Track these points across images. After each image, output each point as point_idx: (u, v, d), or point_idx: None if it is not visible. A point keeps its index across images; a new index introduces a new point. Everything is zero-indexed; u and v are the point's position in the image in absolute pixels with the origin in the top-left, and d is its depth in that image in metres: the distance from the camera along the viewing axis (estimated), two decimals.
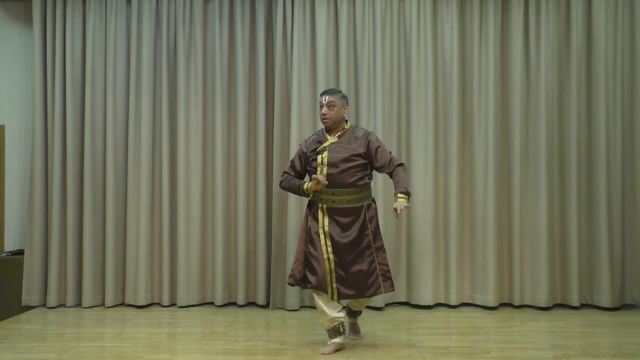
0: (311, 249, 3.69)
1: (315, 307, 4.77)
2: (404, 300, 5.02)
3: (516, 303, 4.93)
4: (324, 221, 3.69)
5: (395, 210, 3.51)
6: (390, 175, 3.71)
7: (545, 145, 4.91)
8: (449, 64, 5.02)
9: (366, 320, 4.50)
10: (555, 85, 4.99)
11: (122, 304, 5.06)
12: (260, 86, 5.04)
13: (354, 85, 5.05)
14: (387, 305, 4.98)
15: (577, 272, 4.88)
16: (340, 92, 3.78)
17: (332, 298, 3.62)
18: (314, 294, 3.70)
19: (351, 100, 5.03)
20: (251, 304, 5.09)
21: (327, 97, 3.70)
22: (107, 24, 5.08)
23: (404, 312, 4.83)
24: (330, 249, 3.65)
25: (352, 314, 3.98)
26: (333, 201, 3.66)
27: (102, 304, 5.03)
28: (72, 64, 5.04)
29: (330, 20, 5.05)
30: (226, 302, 5.05)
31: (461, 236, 5.01)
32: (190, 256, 5.02)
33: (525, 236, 4.96)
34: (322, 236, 3.67)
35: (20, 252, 5.19)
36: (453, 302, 4.94)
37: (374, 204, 3.79)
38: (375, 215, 3.76)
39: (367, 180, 3.73)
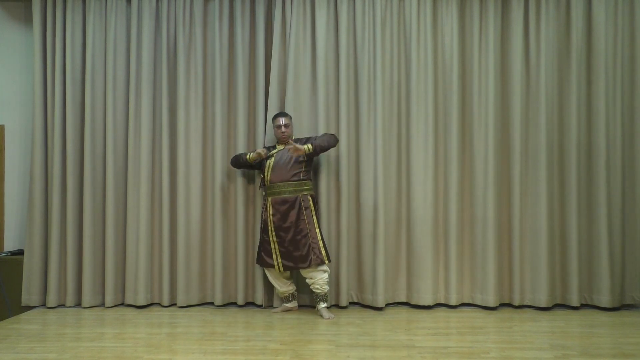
0: (262, 234, 4.76)
1: (314, 307, 4.82)
2: (403, 300, 5.02)
3: (516, 303, 4.94)
4: (269, 213, 4.69)
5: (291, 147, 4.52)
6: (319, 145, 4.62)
7: (545, 145, 4.91)
8: (449, 64, 5.02)
9: (366, 320, 4.50)
10: (555, 86, 4.99)
11: (122, 304, 5.07)
12: (260, 86, 5.04)
13: (353, 85, 5.05)
14: (387, 305, 4.98)
15: (577, 272, 4.88)
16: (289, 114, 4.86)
17: (279, 270, 4.68)
18: (266, 272, 4.84)
19: (351, 100, 5.04)
20: (250, 304, 5.10)
21: (283, 120, 4.75)
22: (107, 24, 5.08)
23: (403, 312, 4.83)
24: (274, 233, 4.66)
25: (316, 300, 4.69)
26: (274, 192, 4.69)
27: (102, 304, 5.03)
28: (72, 64, 5.05)
29: (330, 20, 5.05)
30: (226, 302, 5.06)
31: (461, 236, 5.01)
32: (190, 256, 5.02)
33: (525, 236, 4.96)
34: (269, 223, 4.69)
35: (20, 252, 5.19)
36: (453, 303, 4.94)
37: (310, 197, 4.70)
38: (310, 206, 4.67)
39: (302, 177, 4.69)
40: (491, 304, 4.86)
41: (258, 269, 4.97)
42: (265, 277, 4.98)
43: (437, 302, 4.99)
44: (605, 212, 4.86)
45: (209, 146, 5.12)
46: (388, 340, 3.95)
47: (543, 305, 4.85)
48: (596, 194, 4.92)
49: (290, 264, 4.63)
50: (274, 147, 4.85)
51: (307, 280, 4.68)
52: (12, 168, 5.31)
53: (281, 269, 4.67)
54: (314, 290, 4.66)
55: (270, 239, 4.68)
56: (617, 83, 4.94)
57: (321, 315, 4.61)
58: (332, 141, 4.67)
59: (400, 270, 5.01)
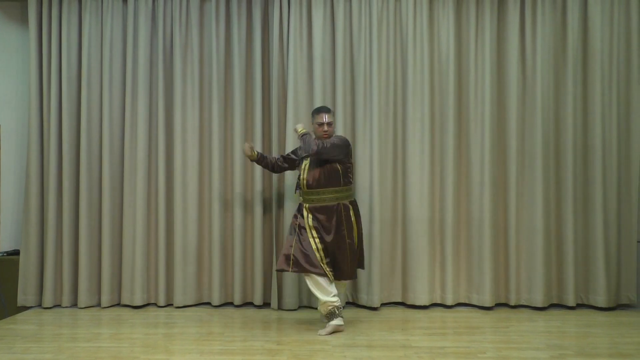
0: (302, 239, 4.16)
1: (312, 307, 4.80)
2: (399, 300, 5.03)
3: (512, 303, 4.95)
4: (307, 218, 4.18)
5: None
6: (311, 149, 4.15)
7: (541, 145, 4.92)
8: (445, 64, 5.03)
9: (362, 321, 4.51)
10: (551, 86, 5.00)
11: (118, 305, 5.05)
12: (257, 86, 5.04)
13: (350, 85, 5.05)
14: (382, 305, 4.98)
15: (573, 272, 4.90)
16: (331, 110, 4.38)
17: (331, 280, 4.12)
18: (308, 280, 4.15)
19: (347, 100, 5.04)
20: (248, 304, 5.09)
21: (327, 117, 4.25)
22: (103, 24, 5.07)
23: (399, 312, 4.84)
24: (317, 240, 4.13)
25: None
26: (312, 200, 4.20)
27: (98, 305, 5.02)
28: (68, 64, 5.03)
29: (326, 20, 5.05)
30: (223, 302, 5.05)
31: (457, 236, 5.01)
32: (186, 256, 5.01)
33: (521, 236, 4.97)
34: (308, 229, 4.15)
35: (16, 253, 5.18)
36: (449, 302, 4.95)
37: (351, 205, 4.25)
38: (350, 215, 4.21)
39: (343, 184, 4.21)
40: (487, 303, 4.87)
41: (257, 269, 4.95)
42: (264, 276, 4.97)
43: (433, 302, 4.99)
44: (601, 212, 4.88)
45: (206, 146, 5.12)
46: (384, 340, 3.96)
47: (539, 305, 4.86)
48: (592, 193, 4.93)
49: (340, 274, 4.20)
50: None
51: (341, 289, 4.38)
52: (7, 168, 5.29)
53: (332, 279, 4.13)
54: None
55: (314, 247, 4.12)
56: (612, 83, 4.95)
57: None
58: (309, 145, 4.14)
59: (396, 270, 5.01)
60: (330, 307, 4.08)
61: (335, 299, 4.10)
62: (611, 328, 4.35)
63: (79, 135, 5.05)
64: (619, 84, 4.97)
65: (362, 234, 4.35)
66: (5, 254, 5.17)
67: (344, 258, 4.16)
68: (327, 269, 4.09)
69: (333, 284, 4.15)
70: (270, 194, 5.01)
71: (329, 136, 4.24)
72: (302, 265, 4.08)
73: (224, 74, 5.12)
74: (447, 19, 5.03)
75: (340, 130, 4.96)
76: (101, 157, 5.04)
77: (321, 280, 4.08)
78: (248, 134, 5.10)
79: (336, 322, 4.10)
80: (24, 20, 5.27)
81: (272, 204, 4.99)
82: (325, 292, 4.08)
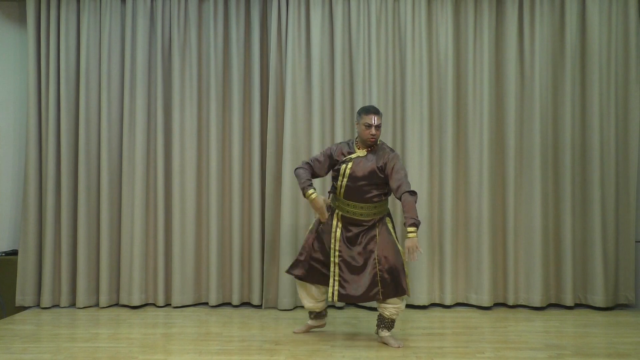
0: (316, 246, 3.92)
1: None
2: None
3: (510, 303, 4.95)
4: (337, 227, 3.87)
5: (409, 251, 3.58)
6: (400, 199, 3.70)
7: (539, 145, 4.93)
8: (443, 64, 5.03)
9: (361, 320, 4.51)
10: (550, 86, 5.01)
11: (117, 305, 5.05)
12: (255, 86, 5.04)
13: (348, 85, 5.05)
14: None
15: (571, 272, 4.90)
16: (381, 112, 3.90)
17: (332, 299, 3.81)
18: (297, 282, 4.05)
19: (346, 100, 5.04)
20: (246, 304, 5.09)
21: (376, 119, 3.79)
22: (101, 24, 5.06)
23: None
24: (337, 253, 3.82)
25: (381, 325, 3.88)
26: (347, 212, 3.84)
27: (97, 305, 5.02)
28: (66, 64, 5.03)
29: (325, 20, 5.05)
30: (220, 302, 5.05)
31: (456, 236, 5.02)
32: (184, 256, 5.01)
33: (519, 236, 4.98)
34: (332, 240, 3.86)
35: (14, 253, 5.17)
36: (448, 302, 4.95)
37: (388, 218, 3.95)
38: (388, 227, 3.88)
39: (383, 198, 3.87)
40: (486, 303, 4.87)
41: (254, 270, 4.96)
42: (261, 277, 4.98)
43: (432, 302, 4.99)
44: (599, 212, 4.88)
45: (204, 146, 5.11)
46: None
47: (537, 305, 4.86)
48: (590, 193, 4.93)
49: (351, 295, 3.79)
50: (351, 150, 3.92)
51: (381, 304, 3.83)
52: (5, 168, 5.28)
53: (335, 298, 3.81)
54: (382, 313, 3.83)
55: (331, 259, 3.86)
56: (610, 83, 4.96)
57: (387, 344, 3.82)
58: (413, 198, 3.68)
59: None
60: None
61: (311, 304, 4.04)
62: (609, 328, 4.36)
63: (77, 135, 5.04)
64: (617, 83, 4.98)
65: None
66: (3, 254, 5.16)
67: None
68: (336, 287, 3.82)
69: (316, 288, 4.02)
70: (269, 194, 5.00)
71: (376, 140, 3.84)
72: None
73: (222, 73, 5.11)
74: (446, 19, 5.03)
75: (339, 131, 4.97)
76: (99, 157, 5.03)
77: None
78: (246, 134, 5.09)
79: (311, 322, 4.17)
80: (22, 20, 5.26)
81: (271, 204, 4.99)
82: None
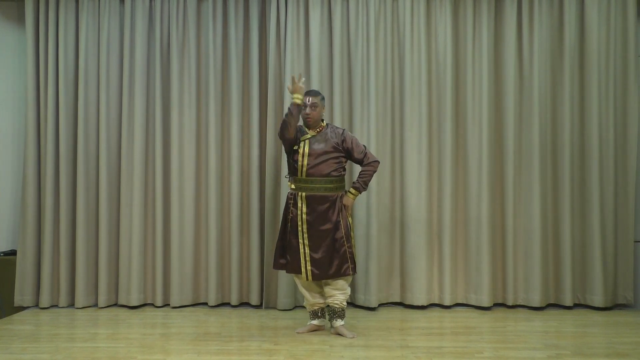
0: (290, 235, 4.07)
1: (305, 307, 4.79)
2: (397, 300, 5.03)
3: (510, 303, 4.95)
4: (303, 209, 4.02)
5: (345, 208, 4.07)
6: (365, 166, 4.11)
7: (538, 145, 4.93)
8: (442, 64, 5.03)
9: (360, 320, 4.50)
10: (548, 86, 5.01)
11: (115, 305, 5.04)
12: (254, 87, 5.04)
13: (347, 86, 5.05)
14: (380, 305, 4.98)
15: (570, 272, 4.90)
16: (320, 94, 4.15)
17: (307, 279, 4.01)
18: (295, 279, 4.19)
19: (345, 100, 5.04)
20: (244, 304, 5.08)
21: (310, 99, 4.05)
22: (100, 24, 5.06)
23: (397, 313, 4.84)
24: (306, 235, 4.01)
25: (333, 317, 4.08)
26: (312, 189, 4.03)
27: (95, 305, 5.01)
28: (65, 64, 5.02)
29: (324, 20, 5.05)
30: (219, 302, 5.04)
31: (455, 236, 5.02)
32: (183, 256, 5.01)
33: (518, 236, 4.98)
34: (299, 222, 4.03)
35: (13, 253, 5.16)
36: (447, 303, 4.95)
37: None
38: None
39: (342, 172, 4.13)
40: (485, 304, 4.88)
41: (253, 269, 4.95)
42: (260, 277, 4.98)
43: (431, 302, 4.99)
44: (598, 212, 4.89)
45: (203, 146, 5.11)
46: (382, 340, 3.96)
47: (536, 305, 4.86)
48: (589, 193, 4.94)
49: (322, 273, 3.98)
50: (304, 132, 4.13)
51: (327, 291, 4.05)
52: (4, 168, 5.28)
53: (309, 277, 3.99)
54: (331, 304, 4.05)
55: (301, 241, 4.03)
56: (609, 83, 4.96)
57: (341, 334, 4.02)
58: (374, 169, 4.12)
59: (394, 270, 5.01)
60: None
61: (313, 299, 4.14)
62: (608, 328, 4.36)
63: (76, 135, 5.03)
64: (615, 84, 4.98)
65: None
66: (2, 254, 5.16)
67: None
68: (309, 267, 4.01)
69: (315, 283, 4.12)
70: (268, 194, 4.99)
71: (312, 120, 4.05)
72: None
73: (221, 73, 5.11)
74: (445, 19, 5.03)
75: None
76: (98, 157, 5.02)
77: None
78: (245, 134, 5.09)
79: (315, 322, 4.18)
80: (20, 20, 5.25)
81: (270, 204, 4.99)
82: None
